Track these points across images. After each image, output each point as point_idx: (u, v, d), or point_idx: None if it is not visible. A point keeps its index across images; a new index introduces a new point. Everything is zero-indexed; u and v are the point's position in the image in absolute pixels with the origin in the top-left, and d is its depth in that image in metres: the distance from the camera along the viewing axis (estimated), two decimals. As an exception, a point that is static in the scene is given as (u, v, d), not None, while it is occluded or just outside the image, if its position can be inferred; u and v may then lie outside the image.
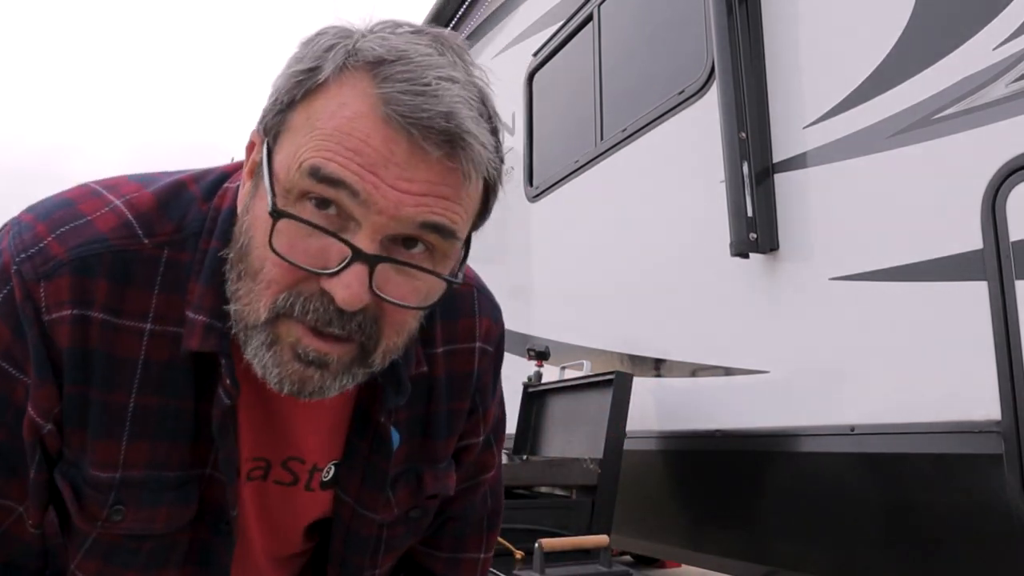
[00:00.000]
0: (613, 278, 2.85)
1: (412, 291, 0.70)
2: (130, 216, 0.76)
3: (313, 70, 0.68)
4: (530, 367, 3.11)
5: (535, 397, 3.00)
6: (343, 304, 0.66)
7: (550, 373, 3.07)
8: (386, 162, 0.65)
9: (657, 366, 2.56)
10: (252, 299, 0.70)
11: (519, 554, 2.09)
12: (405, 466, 0.91)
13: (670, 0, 2.67)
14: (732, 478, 2.24)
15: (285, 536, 0.94)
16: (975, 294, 1.53)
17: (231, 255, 0.73)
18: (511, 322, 3.81)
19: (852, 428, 1.80)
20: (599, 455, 2.35)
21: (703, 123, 2.32)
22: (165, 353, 0.76)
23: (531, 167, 3.53)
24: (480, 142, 0.67)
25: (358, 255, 0.66)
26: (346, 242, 0.66)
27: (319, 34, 0.71)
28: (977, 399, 1.52)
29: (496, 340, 0.98)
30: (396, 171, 0.65)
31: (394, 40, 0.68)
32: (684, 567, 3.37)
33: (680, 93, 2.49)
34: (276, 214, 0.66)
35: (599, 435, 2.39)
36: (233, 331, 0.73)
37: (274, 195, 0.67)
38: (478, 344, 0.95)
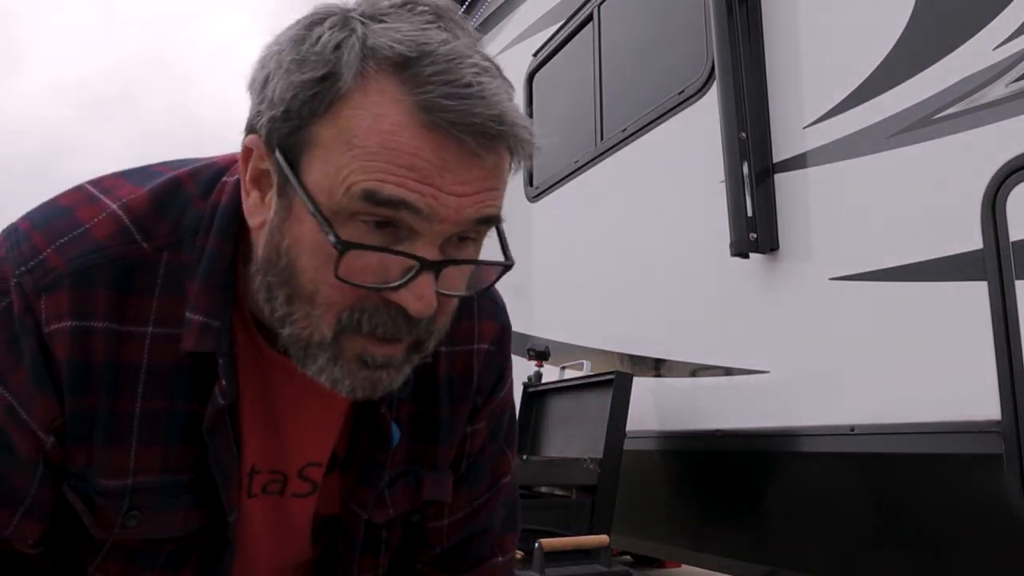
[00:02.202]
0: (613, 278, 2.85)
1: (464, 280, 0.72)
2: (127, 221, 0.75)
3: (328, 78, 0.64)
4: (530, 367, 3.10)
5: (535, 397, 3.00)
6: (417, 314, 0.66)
7: (550, 373, 3.07)
8: (440, 171, 0.63)
9: (657, 366, 2.56)
10: (312, 321, 0.69)
11: (519, 554, 2.09)
12: (405, 467, 0.90)
13: (670, 0, 2.67)
14: (732, 478, 2.24)
15: (297, 544, 0.93)
16: (975, 294, 1.53)
17: (271, 279, 0.70)
18: (511, 322, 3.81)
19: (852, 428, 1.80)
20: (599, 455, 2.35)
21: (703, 123, 2.32)
22: (169, 356, 0.75)
23: (531, 167, 3.52)
24: (529, 132, 0.67)
25: (425, 265, 0.65)
26: (413, 256, 0.65)
27: (313, 25, 0.66)
28: (977, 399, 1.52)
29: (497, 338, 0.97)
30: (451, 177, 0.64)
31: (405, 29, 0.64)
32: (684, 567, 3.37)
33: (680, 93, 2.49)
34: (343, 247, 0.64)
35: (599, 435, 2.39)
36: (289, 351, 0.72)
37: (330, 226, 0.64)
38: (475, 346, 0.94)
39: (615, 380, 2.43)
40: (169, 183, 0.78)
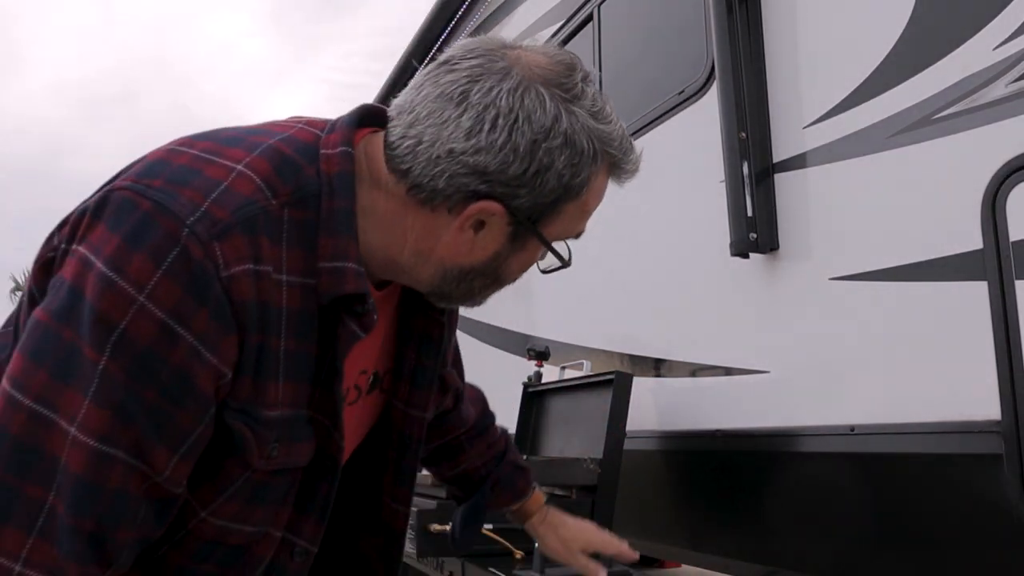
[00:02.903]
0: (613, 278, 2.85)
1: None
2: (258, 180, 0.85)
3: (586, 180, 0.93)
4: (530, 367, 3.10)
5: (535, 397, 3.00)
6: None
7: (550, 373, 3.07)
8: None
9: (657, 366, 2.56)
10: (493, 290, 1.02)
11: (519, 554, 2.09)
12: None
13: (670, 0, 2.67)
14: (732, 478, 2.24)
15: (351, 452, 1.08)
16: (975, 294, 1.53)
17: (479, 276, 0.98)
18: (511, 322, 3.80)
19: (852, 428, 1.80)
20: (599, 455, 2.35)
21: (703, 123, 2.32)
22: (298, 301, 0.86)
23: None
24: None
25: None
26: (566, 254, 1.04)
27: (573, 132, 0.90)
28: (977, 399, 1.52)
29: None
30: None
31: (615, 132, 0.95)
32: (684, 567, 3.37)
33: (680, 93, 2.49)
34: (563, 261, 1.03)
35: (599, 435, 2.38)
36: (448, 298, 1.01)
37: (560, 256, 1.02)
38: None
39: (615, 380, 2.42)
40: (274, 151, 0.89)
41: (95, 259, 0.78)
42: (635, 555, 1.60)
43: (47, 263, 0.83)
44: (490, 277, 0.99)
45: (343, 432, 0.95)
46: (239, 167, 0.85)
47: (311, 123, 0.96)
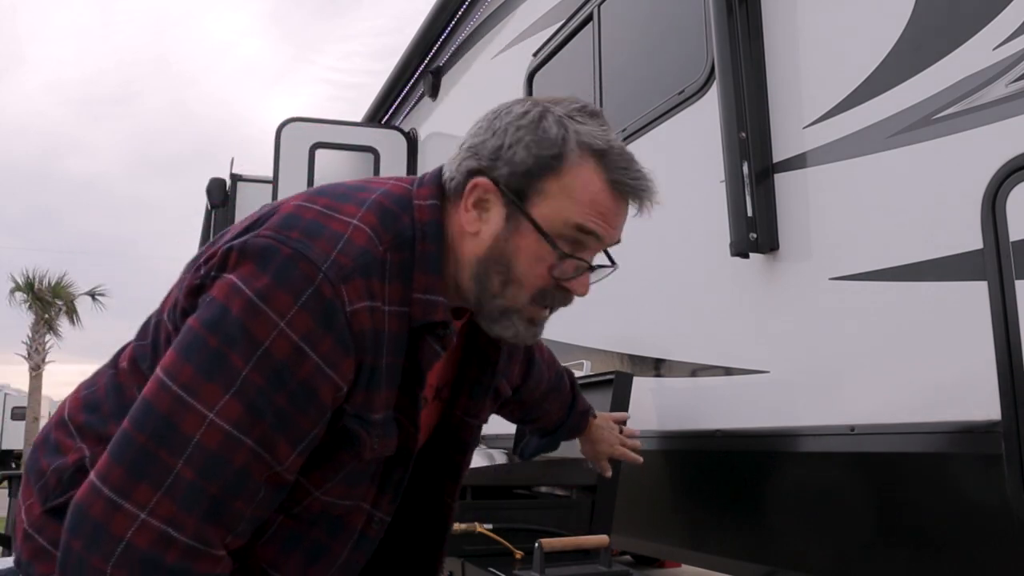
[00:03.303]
0: (613, 278, 2.85)
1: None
2: (369, 232, 1.07)
3: (557, 157, 1.10)
4: (530, 367, 3.10)
5: (535, 397, 2.99)
6: (580, 295, 1.18)
7: (550, 373, 3.06)
8: (615, 217, 1.14)
9: (657, 366, 2.56)
10: (517, 297, 1.13)
11: (519, 554, 2.09)
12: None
13: (670, 0, 2.67)
14: (732, 478, 2.24)
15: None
16: (975, 294, 1.53)
17: (486, 269, 1.12)
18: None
19: (852, 428, 1.80)
20: (599, 455, 2.35)
21: (703, 123, 2.32)
22: (395, 326, 1.07)
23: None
24: (655, 192, 1.18)
25: (590, 267, 1.15)
26: (585, 261, 1.14)
27: (541, 118, 1.11)
28: (977, 399, 1.52)
29: None
30: (616, 220, 1.15)
31: (597, 132, 1.12)
32: (684, 567, 3.37)
33: (680, 93, 2.49)
34: (562, 255, 1.11)
35: (599, 435, 2.38)
36: (482, 315, 1.17)
37: (555, 244, 1.11)
38: None
39: (615, 380, 2.43)
40: (378, 205, 1.11)
41: (245, 288, 1.00)
42: (624, 415, 2.13)
43: (196, 288, 1.05)
44: (502, 267, 1.11)
45: (420, 430, 1.17)
46: (354, 221, 1.07)
47: (399, 179, 1.20)
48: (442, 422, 1.33)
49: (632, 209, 1.16)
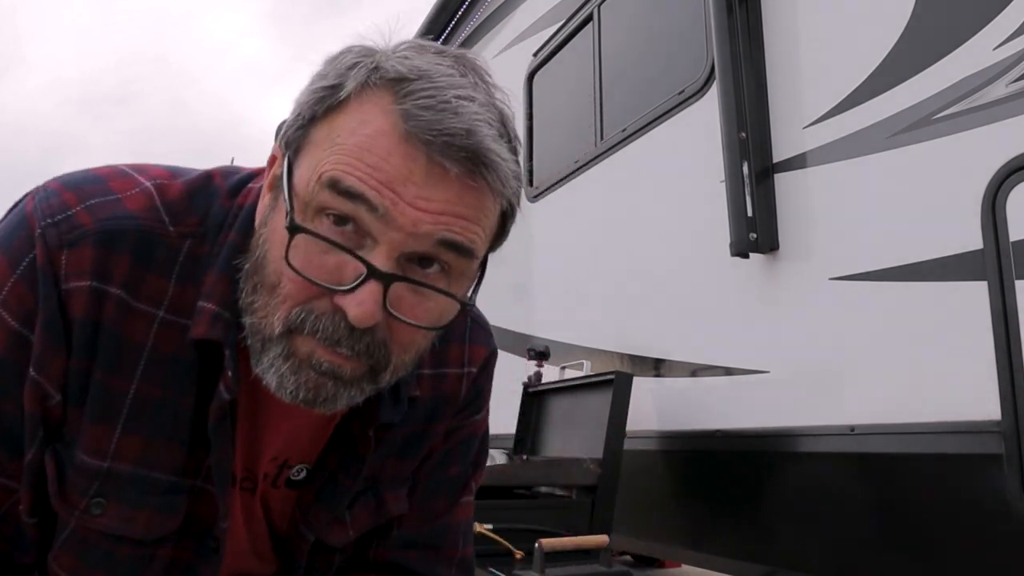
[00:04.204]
0: (613, 278, 2.85)
1: (425, 311, 0.70)
2: (158, 201, 0.76)
3: (335, 87, 0.68)
4: (530, 367, 3.10)
5: (535, 397, 3.00)
6: (355, 321, 0.66)
7: (550, 373, 3.07)
8: (405, 180, 0.65)
9: (657, 366, 2.56)
10: (268, 312, 0.70)
11: (519, 554, 2.09)
12: (365, 485, 0.88)
13: (670, 0, 2.67)
14: (732, 478, 2.24)
15: (260, 550, 0.90)
16: (975, 294, 1.53)
17: (247, 266, 0.73)
18: (511, 322, 3.81)
19: (852, 428, 1.80)
20: (599, 455, 2.35)
21: (703, 123, 2.32)
22: (173, 344, 0.75)
23: (531, 167, 3.53)
24: (501, 159, 0.67)
25: (373, 273, 0.65)
26: (361, 259, 0.65)
27: (343, 52, 0.71)
28: (977, 399, 1.52)
29: (484, 363, 0.96)
30: (415, 189, 0.65)
31: (416, 60, 0.68)
32: (684, 567, 3.37)
33: (680, 93, 2.49)
34: (293, 228, 0.66)
35: (599, 435, 2.38)
36: (248, 343, 0.73)
37: (292, 209, 0.67)
38: (465, 369, 0.93)
39: (615, 380, 2.42)
40: (201, 177, 0.80)
41: None
42: None
43: None
44: (256, 261, 0.72)
45: (225, 515, 0.79)
46: (147, 184, 0.80)
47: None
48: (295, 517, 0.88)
49: (475, 183, 0.67)
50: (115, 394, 0.74)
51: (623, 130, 2.79)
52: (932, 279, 1.64)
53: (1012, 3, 1.52)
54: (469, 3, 4.36)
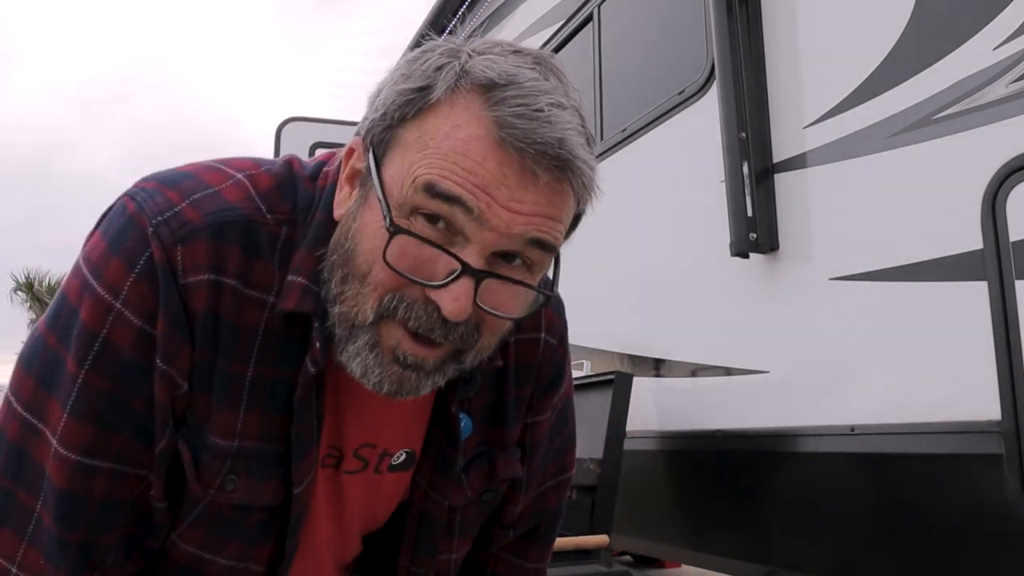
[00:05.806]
0: (613, 278, 2.85)
1: (511, 302, 0.75)
2: (253, 191, 0.79)
3: (424, 89, 0.71)
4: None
5: (535, 397, 2.99)
6: (450, 316, 0.70)
7: (550, 373, 3.06)
8: (499, 183, 0.69)
9: (657, 366, 2.56)
10: (359, 300, 0.73)
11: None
12: (478, 450, 0.94)
13: (670, 0, 2.67)
14: (732, 478, 2.24)
15: (350, 530, 0.95)
16: (975, 294, 1.53)
17: (334, 258, 0.76)
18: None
19: (852, 428, 1.80)
20: (599, 455, 2.35)
21: (703, 123, 2.32)
22: (281, 325, 0.79)
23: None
24: (587, 166, 0.71)
25: (467, 270, 0.69)
26: (457, 257, 0.69)
27: (426, 51, 0.74)
28: (977, 399, 1.52)
29: (560, 334, 1.01)
30: (508, 192, 0.69)
31: (502, 63, 0.71)
32: (684, 567, 3.37)
33: (680, 93, 2.49)
34: (393, 230, 0.69)
35: (599, 435, 2.39)
36: (336, 332, 0.76)
37: (389, 209, 0.70)
38: (543, 335, 0.98)
39: (615, 380, 2.43)
40: (283, 165, 0.84)
41: (83, 263, 0.77)
42: None
43: None
44: (344, 253, 0.75)
45: (302, 476, 0.83)
46: (239, 175, 0.83)
47: None
48: (412, 496, 0.95)
49: (562, 188, 0.71)
50: (236, 379, 0.78)
51: (623, 130, 2.79)
52: (932, 279, 1.64)
53: (1012, 3, 1.52)
54: (469, 3, 4.36)
